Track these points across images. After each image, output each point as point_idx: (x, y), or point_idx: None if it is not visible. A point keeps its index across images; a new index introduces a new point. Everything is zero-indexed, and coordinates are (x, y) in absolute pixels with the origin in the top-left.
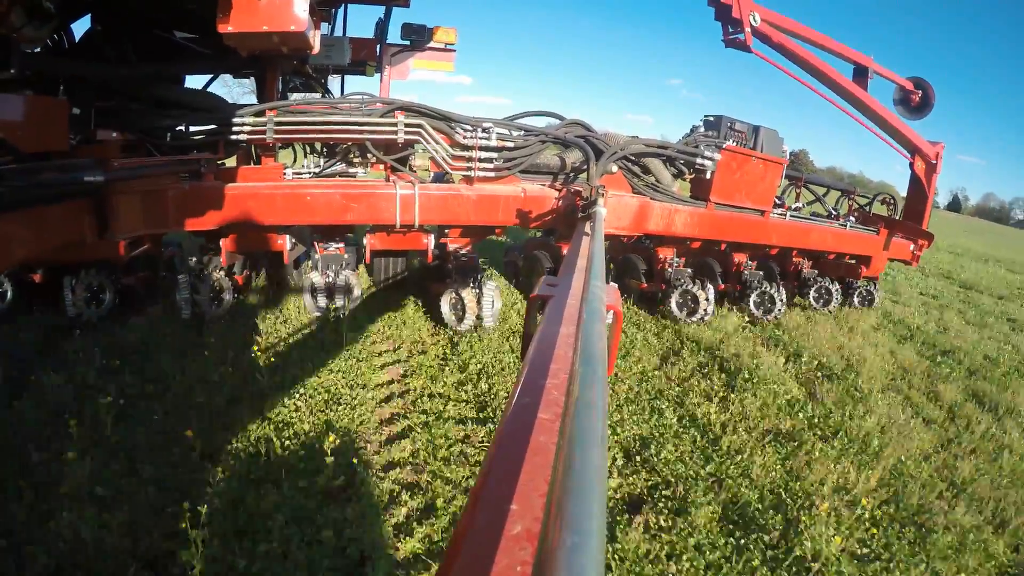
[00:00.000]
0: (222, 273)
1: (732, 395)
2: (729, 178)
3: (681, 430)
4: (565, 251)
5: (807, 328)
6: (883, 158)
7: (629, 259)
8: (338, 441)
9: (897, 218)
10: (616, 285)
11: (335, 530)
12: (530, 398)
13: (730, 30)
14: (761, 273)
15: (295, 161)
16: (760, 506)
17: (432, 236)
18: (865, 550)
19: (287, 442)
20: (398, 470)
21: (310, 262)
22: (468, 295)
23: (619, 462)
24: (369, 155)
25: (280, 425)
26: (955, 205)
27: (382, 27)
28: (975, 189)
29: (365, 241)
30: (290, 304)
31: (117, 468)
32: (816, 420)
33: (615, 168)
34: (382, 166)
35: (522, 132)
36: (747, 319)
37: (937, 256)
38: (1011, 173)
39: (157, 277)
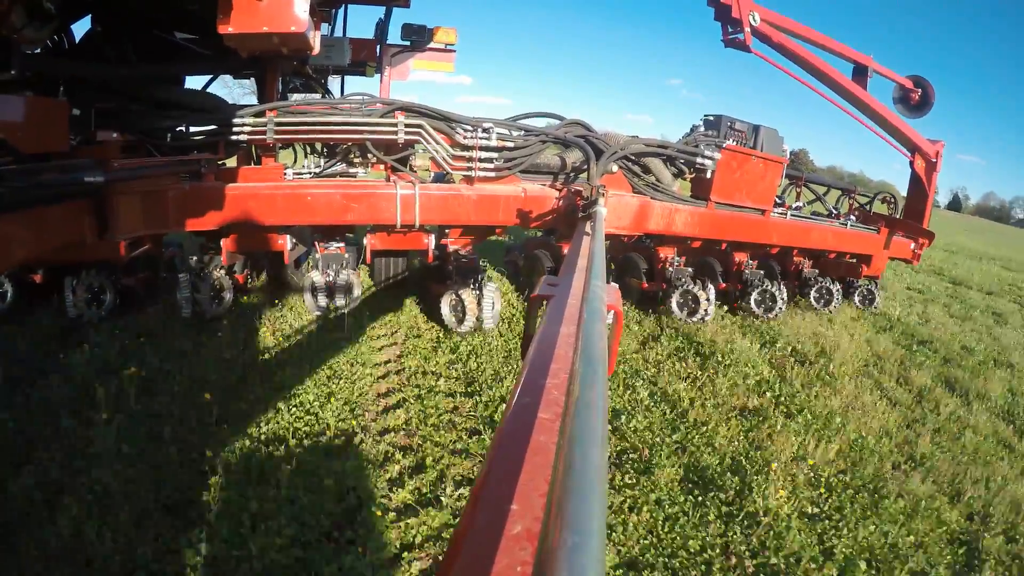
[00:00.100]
0: (222, 272)
1: (704, 376)
2: (729, 177)
3: (652, 404)
4: (566, 251)
5: (786, 316)
6: (883, 157)
7: (630, 259)
8: (339, 409)
9: (898, 217)
10: (617, 285)
11: (336, 480)
12: (530, 398)
13: (730, 30)
14: (762, 272)
15: (295, 161)
16: (719, 469)
17: (432, 236)
18: (816, 510)
19: (293, 410)
20: (392, 434)
21: (310, 261)
22: (468, 296)
23: None
24: (369, 155)
25: (287, 395)
26: (955, 204)
27: (382, 28)
28: (975, 188)
29: (365, 241)
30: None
31: (141, 431)
32: (783, 399)
33: (615, 168)
34: (382, 166)
35: (522, 132)
36: (726, 308)
37: (931, 254)
38: (1011, 172)
39: (157, 278)
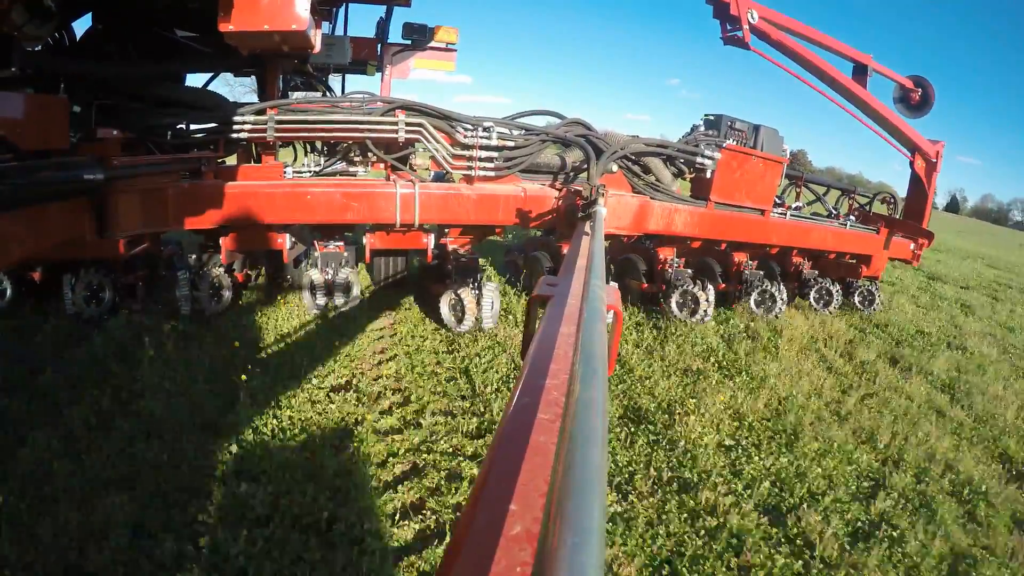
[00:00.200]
0: (221, 270)
1: (656, 343)
2: (729, 177)
3: None
4: (565, 251)
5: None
6: (882, 159)
7: (629, 259)
8: (342, 360)
9: (897, 217)
10: (616, 285)
11: (338, 408)
12: (530, 398)
13: (728, 27)
14: (761, 272)
15: (295, 160)
16: (653, 409)
17: (432, 235)
18: (733, 443)
19: (304, 360)
20: (384, 379)
21: (309, 260)
22: (467, 296)
23: None
24: (369, 154)
25: (299, 348)
26: (953, 206)
27: (383, 26)
28: (974, 190)
29: (365, 240)
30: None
31: (179, 372)
32: (725, 364)
33: (615, 167)
34: (382, 165)
35: (522, 131)
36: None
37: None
38: (1009, 175)
39: (157, 275)
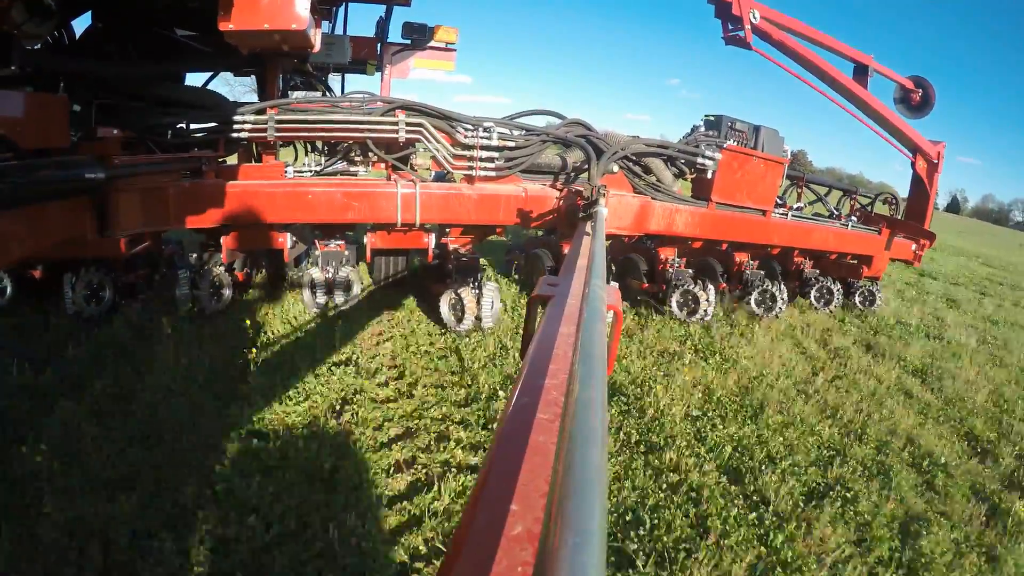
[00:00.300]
0: (222, 269)
1: (637, 329)
2: (730, 178)
3: None
4: (566, 251)
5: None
6: (882, 159)
7: (630, 259)
8: (343, 339)
9: (899, 218)
10: (617, 285)
11: (339, 379)
12: (529, 398)
13: (730, 27)
14: (762, 272)
15: (296, 159)
16: (627, 383)
17: (433, 235)
18: (700, 414)
19: (309, 337)
20: (382, 357)
21: (310, 258)
22: (467, 295)
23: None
24: (370, 154)
25: (304, 328)
26: (954, 206)
27: (383, 26)
28: (975, 191)
29: (366, 240)
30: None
31: (194, 348)
32: (700, 347)
33: (616, 168)
34: (383, 165)
35: (523, 132)
36: None
37: None
38: (1010, 175)
39: (157, 274)
